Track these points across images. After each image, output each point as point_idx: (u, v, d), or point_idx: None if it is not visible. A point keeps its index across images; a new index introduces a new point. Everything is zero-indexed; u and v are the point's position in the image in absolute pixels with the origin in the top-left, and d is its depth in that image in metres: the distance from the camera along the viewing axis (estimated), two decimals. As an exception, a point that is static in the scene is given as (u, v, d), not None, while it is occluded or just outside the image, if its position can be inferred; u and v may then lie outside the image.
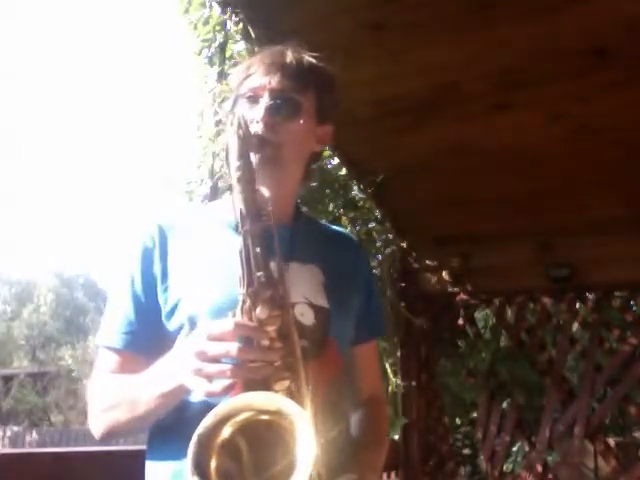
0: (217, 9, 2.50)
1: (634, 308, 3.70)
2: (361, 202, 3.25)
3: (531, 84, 2.24)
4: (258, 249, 0.86)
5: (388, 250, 3.50)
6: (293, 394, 0.83)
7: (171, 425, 0.98)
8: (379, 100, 2.38)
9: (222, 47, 2.60)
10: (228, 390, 0.82)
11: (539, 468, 3.39)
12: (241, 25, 2.33)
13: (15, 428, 11.97)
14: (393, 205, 3.23)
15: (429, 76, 2.23)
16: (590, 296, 3.65)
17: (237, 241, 0.91)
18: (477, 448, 3.87)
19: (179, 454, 0.87)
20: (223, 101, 2.60)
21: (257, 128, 1.00)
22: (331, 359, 1.03)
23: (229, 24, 2.49)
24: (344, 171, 3.07)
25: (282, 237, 0.94)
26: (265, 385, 0.83)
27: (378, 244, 3.50)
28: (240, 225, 0.87)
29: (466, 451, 4.24)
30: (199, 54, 2.65)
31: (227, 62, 2.63)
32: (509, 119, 2.45)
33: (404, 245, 3.47)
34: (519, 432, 3.57)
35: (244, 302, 0.85)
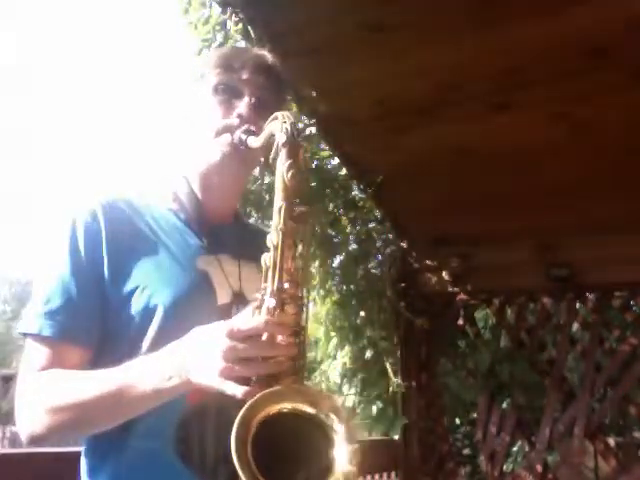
0: (217, 9, 2.50)
1: (634, 308, 3.69)
2: (361, 202, 3.25)
3: (531, 84, 2.24)
4: (292, 249, 0.88)
5: (388, 250, 3.50)
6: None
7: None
8: (379, 100, 2.38)
9: (222, 47, 2.60)
10: (251, 395, 0.78)
11: (539, 468, 3.39)
12: (241, 25, 2.33)
13: (15, 428, 11.96)
14: (393, 205, 3.23)
15: (429, 76, 2.23)
16: (590, 296, 3.64)
17: (189, 234, 1.01)
18: (477, 448, 3.87)
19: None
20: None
21: (244, 123, 1.02)
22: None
23: (229, 24, 2.49)
24: (344, 171, 3.07)
25: (229, 234, 0.99)
26: (276, 381, 0.82)
27: (378, 244, 3.50)
28: (280, 221, 0.87)
29: (466, 451, 4.23)
30: (199, 54, 2.65)
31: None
32: (509, 119, 2.44)
33: (404, 245, 3.47)
34: (519, 432, 3.57)
35: (270, 296, 0.84)
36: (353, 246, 3.24)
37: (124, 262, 0.97)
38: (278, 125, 0.90)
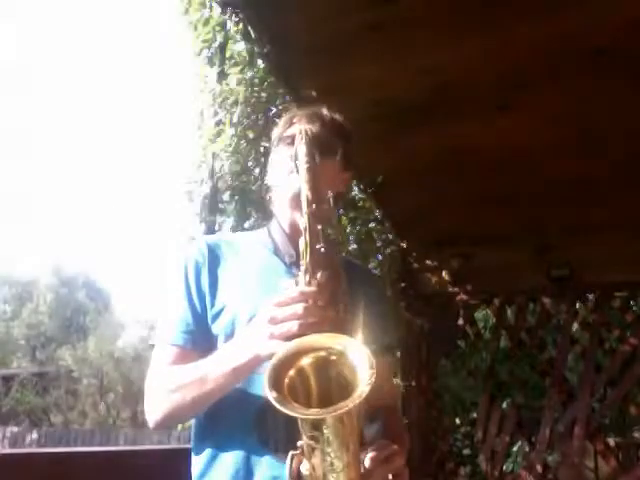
0: (217, 9, 2.50)
1: (634, 308, 3.70)
2: (361, 202, 3.25)
3: (531, 84, 2.24)
4: (319, 226, 1.02)
5: (388, 250, 3.50)
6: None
7: (215, 415, 1.11)
8: (379, 100, 2.38)
9: (222, 47, 2.60)
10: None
11: (539, 468, 3.40)
12: (241, 25, 2.33)
13: (15, 428, 11.95)
14: (393, 205, 3.23)
15: (429, 76, 2.23)
16: (590, 296, 3.65)
17: (274, 260, 1.19)
18: (477, 448, 3.87)
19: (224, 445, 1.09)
20: (223, 101, 2.60)
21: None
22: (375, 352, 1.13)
23: (229, 24, 2.49)
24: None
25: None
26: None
27: (378, 244, 3.50)
28: (306, 206, 1.03)
29: (466, 451, 4.23)
30: (199, 54, 2.65)
31: (227, 62, 2.63)
32: (509, 119, 2.45)
33: (404, 245, 3.48)
34: (519, 432, 3.58)
35: (306, 271, 0.99)
36: (353, 246, 3.24)
37: (218, 288, 1.20)
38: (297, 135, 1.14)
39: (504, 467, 3.72)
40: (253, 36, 2.24)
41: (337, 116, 1.32)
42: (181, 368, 1.13)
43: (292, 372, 0.88)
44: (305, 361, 0.89)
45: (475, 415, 3.95)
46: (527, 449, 3.58)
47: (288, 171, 1.20)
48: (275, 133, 1.33)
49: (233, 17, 2.37)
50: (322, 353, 0.90)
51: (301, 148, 1.11)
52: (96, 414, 14.80)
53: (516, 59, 2.12)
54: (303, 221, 1.03)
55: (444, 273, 3.49)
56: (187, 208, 2.81)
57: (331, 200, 1.10)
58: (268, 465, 1.07)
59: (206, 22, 2.54)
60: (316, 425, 0.84)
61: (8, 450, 7.25)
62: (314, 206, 1.04)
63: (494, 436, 3.56)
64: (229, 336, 1.14)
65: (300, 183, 1.07)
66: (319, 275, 0.98)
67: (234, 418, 1.10)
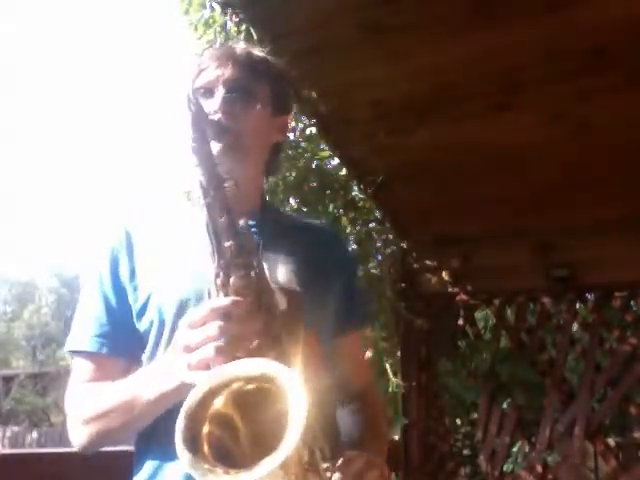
0: (218, 10, 2.50)
1: (634, 308, 3.70)
2: (361, 202, 3.25)
3: (531, 84, 2.24)
4: (223, 218, 0.84)
5: (388, 250, 3.50)
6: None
7: (157, 427, 0.95)
8: (379, 100, 2.38)
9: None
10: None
11: (539, 468, 3.39)
12: (242, 26, 2.33)
13: (15, 428, 11.97)
14: (393, 205, 3.23)
15: (429, 76, 2.23)
16: (590, 296, 3.65)
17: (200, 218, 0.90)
18: (477, 448, 3.87)
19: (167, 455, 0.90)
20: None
21: (215, 118, 0.99)
22: (310, 350, 0.97)
23: (229, 25, 2.49)
24: (344, 171, 3.07)
25: (249, 226, 0.92)
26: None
27: (378, 244, 3.50)
28: (203, 197, 0.85)
29: (466, 451, 4.23)
30: (200, 55, 2.65)
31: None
32: (509, 119, 2.45)
33: (404, 245, 3.47)
34: (519, 432, 3.57)
35: (217, 276, 0.83)
36: (353, 246, 3.24)
37: (140, 276, 1.03)
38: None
39: (504, 467, 3.71)
40: (255, 37, 2.24)
41: (257, 52, 1.13)
42: (100, 389, 0.98)
43: (209, 418, 0.72)
44: (224, 401, 0.73)
45: (475, 415, 3.95)
46: (527, 449, 3.57)
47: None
48: (184, 83, 1.09)
49: (234, 18, 2.37)
50: (243, 387, 0.73)
51: (186, 117, 0.89)
52: (96, 414, 14.80)
53: (516, 59, 2.12)
54: (203, 215, 0.85)
55: (444, 273, 3.49)
56: (186, 207, 2.81)
57: (235, 180, 0.88)
58: None
59: (207, 23, 2.54)
60: None
61: (8, 450, 7.25)
62: (212, 194, 0.85)
63: (494, 436, 3.56)
64: (160, 330, 0.98)
65: (191, 170, 0.89)
66: (232, 280, 0.82)
67: (170, 432, 0.96)
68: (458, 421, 4.31)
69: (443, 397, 3.87)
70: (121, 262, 1.03)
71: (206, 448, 0.69)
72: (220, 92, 1.03)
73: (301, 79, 2.34)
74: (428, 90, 2.32)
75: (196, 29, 2.59)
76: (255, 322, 0.82)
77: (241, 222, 0.87)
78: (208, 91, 1.04)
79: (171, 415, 0.87)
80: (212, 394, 0.73)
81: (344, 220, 3.15)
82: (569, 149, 2.62)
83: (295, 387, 0.70)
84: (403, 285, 3.49)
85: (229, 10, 2.39)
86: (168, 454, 0.91)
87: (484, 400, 3.66)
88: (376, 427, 1.13)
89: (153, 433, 0.98)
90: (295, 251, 1.05)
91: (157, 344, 0.99)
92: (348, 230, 3.21)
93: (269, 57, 1.13)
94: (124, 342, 1.01)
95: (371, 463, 0.90)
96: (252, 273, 0.84)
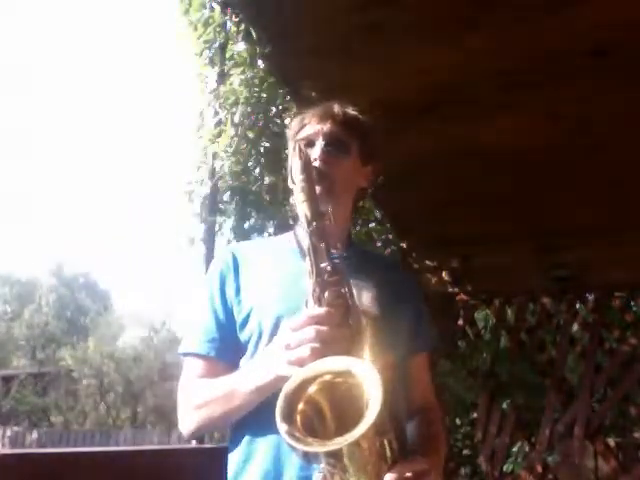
0: (217, 10, 2.50)
1: (634, 308, 3.70)
2: (361, 202, 3.25)
3: (531, 84, 2.24)
4: (323, 244, 1.02)
5: (388, 250, 3.50)
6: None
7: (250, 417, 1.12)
8: (379, 100, 2.38)
9: (222, 48, 2.60)
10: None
11: (539, 468, 3.40)
12: (241, 26, 2.33)
13: (15, 428, 11.96)
14: (393, 205, 3.23)
15: (429, 76, 2.23)
16: (590, 296, 3.65)
17: (302, 264, 1.10)
18: (477, 448, 3.87)
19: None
20: (224, 102, 2.61)
21: (316, 164, 1.19)
22: (386, 364, 1.09)
23: (229, 25, 2.49)
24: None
25: (341, 253, 1.12)
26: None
27: (378, 244, 3.50)
28: (307, 225, 1.04)
29: (466, 451, 4.23)
30: (200, 55, 2.65)
31: (227, 62, 2.63)
32: (509, 119, 2.45)
33: (404, 245, 3.47)
34: (519, 432, 3.58)
35: (314, 291, 1.00)
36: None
37: (243, 293, 1.22)
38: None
39: (504, 467, 3.72)
40: (254, 37, 2.24)
41: (350, 110, 1.31)
42: (209, 383, 1.16)
43: (303, 401, 0.88)
44: (315, 388, 0.90)
45: (475, 415, 3.95)
46: (527, 449, 3.58)
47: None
48: (289, 134, 1.33)
49: (233, 17, 2.38)
50: (331, 378, 0.90)
51: (295, 163, 1.09)
52: (96, 414, 14.80)
53: (516, 59, 2.12)
54: (306, 242, 1.04)
55: (444, 273, 3.49)
56: (187, 208, 2.81)
57: (331, 216, 1.09)
58: (297, 465, 1.08)
59: (206, 22, 2.54)
60: (331, 452, 0.84)
61: (8, 450, 7.25)
62: (314, 224, 1.04)
63: (494, 436, 3.56)
64: (258, 340, 1.16)
65: (299, 204, 1.07)
66: (326, 295, 0.99)
67: (266, 415, 1.07)
68: (458, 421, 4.31)
69: (443, 397, 3.87)
70: (228, 282, 1.24)
71: (299, 422, 0.85)
72: (320, 143, 1.24)
73: (301, 78, 2.35)
74: (428, 90, 2.32)
75: (196, 29, 2.59)
76: (344, 330, 0.98)
77: (334, 250, 1.06)
78: (310, 142, 1.24)
79: (262, 409, 1.06)
80: (306, 383, 0.90)
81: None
82: (569, 149, 2.62)
83: (373, 381, 0.85)
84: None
85: (229, 10, 2.39)
86: (260, 433, 1.12)
87: (484, 400, 3.67)
88: (433, 443, 1.24)
89: (246, 423, 1.14)
90: (374, 281, 1.22)
91: (254, 352, 1.16)
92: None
93: (360, 115, 1.32)
94: (228, 349, 1.19)
95: (427, 473, 0.98)
96: (342, 290, 1.02)
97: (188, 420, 1.18)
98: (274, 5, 2.07)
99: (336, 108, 1.29)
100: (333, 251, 1.06)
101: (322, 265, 1.01)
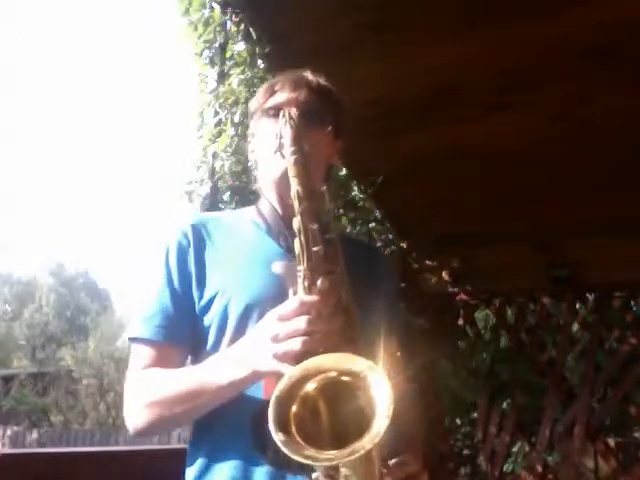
0: (217, 9, 2.50)
1: (634, 308, 3.70)
2: (361, 202, 3.25)
3: (531, 84, 2.24)
4: (315, 226, 0.92)
5: (388, 250, 3.50)
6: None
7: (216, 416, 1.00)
8: (379, 100, 2.38)
9: (222, 47, 2.60)
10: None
11: (539, 468, 3.40)
12: (241, 25, 2.33)
13: (15, 428, 11.95)
14: (393, 205, 3.23)
15: (429, 76, 2.23)
16: (590, 296, 3.65)
17: (271, 243, 1.06)
18: (477, 448, 3.87)
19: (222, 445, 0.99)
20: (224, 101, 2.60)
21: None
22: (400, 373, 1.05)
23: (229, 24, 2.49)
24: (344, 171, 3.07)
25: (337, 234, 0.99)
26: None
27: (378, 244, 3.50)
28: (297, 205, 0.93)
29: (466, 451, 4.23)
30: (200, 55, 2.65)
31: (227, 62, 2.63)
32: (509, 119, 2.45)
33: (404, 245, 3.47)
34: (519, 432, 3.57)
35: (305, 277, 0.90)
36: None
37: (207, 272, 1.09)
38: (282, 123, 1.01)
39: (504, 467, 3.72)
40: (254, 37, 2.24)
41: (323, 80, 1.20)
42: (165, 374, 1.03)
43: (298, 404, 0.79)
44: (312, 389, 0.81)
45: (475, 415, 3.95)
46: (527, 449, 3.58)
47: (273, 149, 1.05)
48: (255, 102, 1.19)
49: (233, 17, 2.37)
50: (331, 378, 0.81)
51: (286, 132, 0.99)
52: (96, 414, 14.79)
53: (516, 59, 2.12)
54: (296, 221, 0.93)
55: (444, 273, 3.49)
56: (187, 208, 2.81)
57: (325, 194, 0.97)
58: (266, 476, 0.97)
59: (206, 22, 2.54)
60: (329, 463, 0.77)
61: (8, 450, 7.25)
62: (306, 203, 0.93)
63: (494, 436, 3.56)
64: (222, 327, 1.04)
65: (290, 179, 0.96)
66: (319, 282, 0.89)
67: (229, 423, 1.00)
68: (458, 421, 4.31)
69: (443, 397, 3.88)
70: (188, 258, 1.10)
71: (294, 429, 0.77)
72: (294, 112, 1.09)
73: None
74: (428, 90, 2.31)
75: (196, 28, 2.59)
76: (337, 321, 0.88)
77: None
78: (277, 110, 1.11)
79: (224, 409, 0.97)
80: (300, 383, 0.80)
81: (344, 220, 3.15)
82: (569, 149, 2.62)
83: (380, 382, 0.77)
84: (403, 285, 3.50)
85: (229, 10, 2.39)
86: (221, 453, 1.00)
87: (484, 400, 3.66)
88: (413, 442, 1.14)
89: (209, 426, 1.03)
90: (348, 265, 1.09)
91: (218, 342, 1.04)
92: (348, 230, 3.21)
93: (332, 85, 1.22)
94: (185, 334, 1.07)
95: (420, 473, 0.94)
96: (336, 277, 0.92)
97: (136, 417, 1.03)
98: (274, 5, 2.07)
99: (310, 76, 1.18)
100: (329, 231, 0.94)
101: (314, 249, 0.91)
